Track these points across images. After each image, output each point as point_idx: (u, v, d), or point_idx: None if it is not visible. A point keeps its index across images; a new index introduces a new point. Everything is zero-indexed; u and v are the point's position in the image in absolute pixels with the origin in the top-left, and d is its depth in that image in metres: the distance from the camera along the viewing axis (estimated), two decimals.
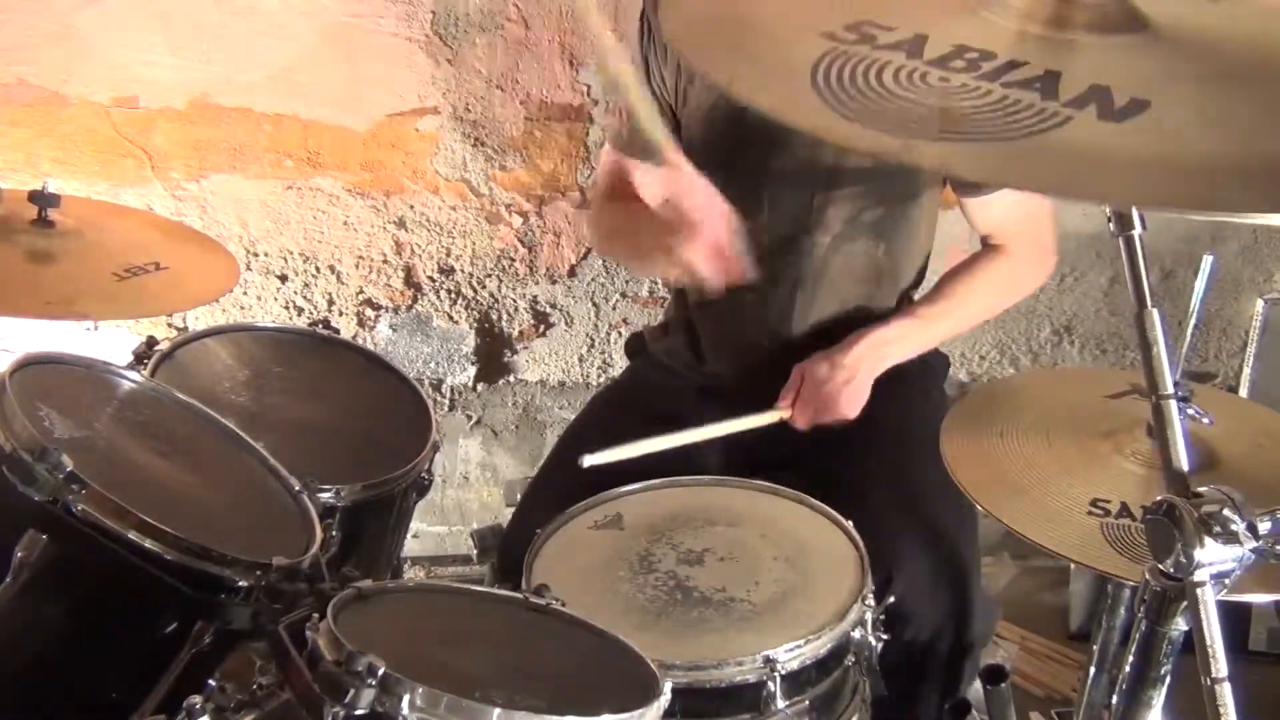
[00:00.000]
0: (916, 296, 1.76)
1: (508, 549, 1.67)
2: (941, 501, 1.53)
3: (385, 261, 2.41)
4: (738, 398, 1.73)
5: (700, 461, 1.64)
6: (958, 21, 0.88)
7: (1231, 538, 0.82)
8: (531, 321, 2.50)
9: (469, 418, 2.58)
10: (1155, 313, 0.87)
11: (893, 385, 1.67)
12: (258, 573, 1.18)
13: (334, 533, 1.44)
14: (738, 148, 1.60)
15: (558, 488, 1.54)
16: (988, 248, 1.73)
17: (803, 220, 1.64)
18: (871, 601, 1.34)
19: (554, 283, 2.46)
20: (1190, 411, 1.24)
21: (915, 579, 1.46)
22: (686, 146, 1.67)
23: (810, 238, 1.65)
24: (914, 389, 1.73)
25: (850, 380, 1.62)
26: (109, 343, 2.27)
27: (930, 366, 1.79)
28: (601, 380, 2.55)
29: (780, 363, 1.69)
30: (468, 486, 2.64)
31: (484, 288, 2.46)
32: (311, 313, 2.41)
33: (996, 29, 0.87)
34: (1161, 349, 0.86)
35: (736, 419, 1.61)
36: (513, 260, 2.44)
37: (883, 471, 1.61)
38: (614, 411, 1.81)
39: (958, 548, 1.55)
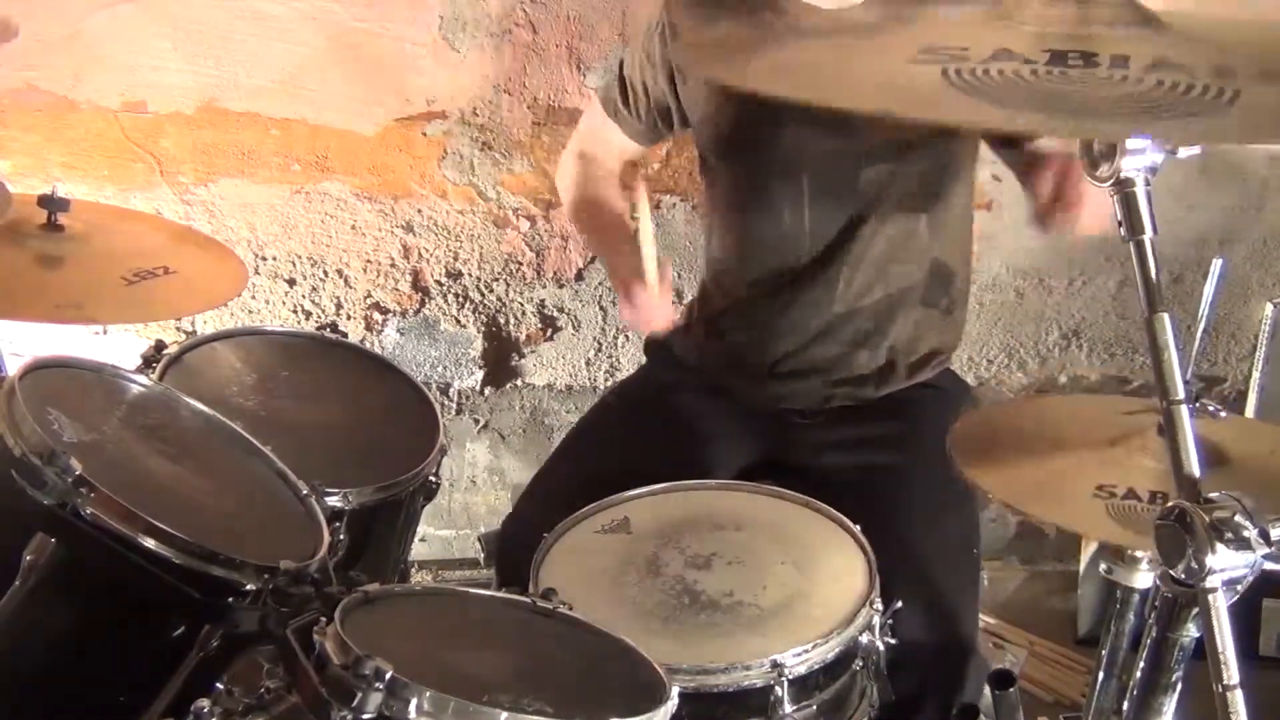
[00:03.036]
0: (959, 282, 1.74)
1: (508, 535, 1.67)
2: (946, 513, 1.54)
3: (393, 265, 2.42)
4: (757, 398, 1.73)
5: (707, 467, 1.64)
6: (999, 34, 0.96)
7: (1243, 544, 0.82)
8: (539, 325, 2.50)
9: (476, 421, 2.58)
10: (1166, 317, 0.87)
11: (911, 402, 1.67)
12: (265, 576, 1.18)
13: (341, 536, 1.43)
14: (775, 134, 1.60)
15: (561, 482, 1.54)
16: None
17: (844, 202, 1.62)
18: (879, 606, 1.34)
19: (561, 286, 2.47)
20: (1209, 408, 1.23)
21: (912, 596, 1.45)
22: (719, 135, 1.69)
23: (851, 218, 1.63)
24: (931, 408, 1.72)
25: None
26: (117, 346, 2.28)
27: (949, 392, 1.78)
28: (609, 384, 2.55)
29: (810, 359, 1.69)
30: (475, 490, 2.64)
31: (491, 291, 2.46)
32: (319, 316, 2.41)
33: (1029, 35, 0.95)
34: (1173, 354, 0.85)
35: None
36: (520, 264, 2.44)
37: (890, 479, 1.61)
38: (624, 409, 1.81)
39: (958, 571, 1.55)
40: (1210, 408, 1.24)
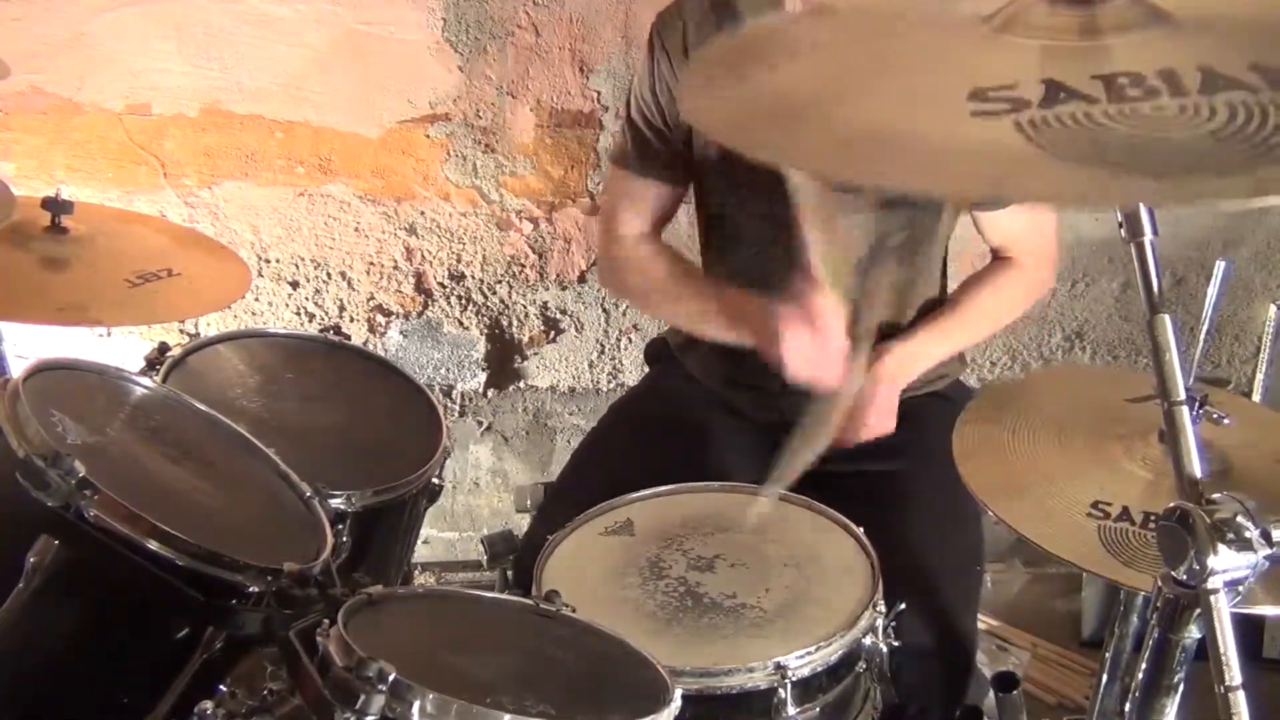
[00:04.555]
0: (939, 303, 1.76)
1: (523, 561, 1.66)
2: (951, 517, 1.53)
3: (396, 268, 2.42)
4: (763, 414, 1.72)
5: (711, 470, 1.64)
6: (1015, 57, 0.82)
7: (1245, 544, 0.82)
8: (542, 327, 2.50)
9: (479, 424, 2.58)
10: (1166, 318, 0.86)
11: (918, 411, 1.67)
12: (269, 578, 1.18)
13: (345, 539, 1.44)
14: (761, 170, 1.59)
15: (575, 500, 1.54)
16: (998, 259, 1.75)
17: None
18: (882, 608, 1.33)
19: (564, 289, 2.47)
20: (1214, 415, 1.23)
21: (915, 598, 1.45)
22: (705, 167, 1.67)
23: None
24: (938, 417, 1.71)
25: (881, 394, 1.60)
26: (121, 349, 2.29)
27: (956, 402, 1.78)
28: (612, 386, 2.55)
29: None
30: (478, 492, 2.64)
31: (494, 294, 2.46)
32: (322, 319, 2.42)
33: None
34: (1173, 355, 0.85)
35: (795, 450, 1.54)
36: (523, 266, 2.44)
37: (895, 484, 1.60)
38: (634, 422, 1.80)
39: (962, 574, 1.55)
40: (1215, 415, 1.24)
